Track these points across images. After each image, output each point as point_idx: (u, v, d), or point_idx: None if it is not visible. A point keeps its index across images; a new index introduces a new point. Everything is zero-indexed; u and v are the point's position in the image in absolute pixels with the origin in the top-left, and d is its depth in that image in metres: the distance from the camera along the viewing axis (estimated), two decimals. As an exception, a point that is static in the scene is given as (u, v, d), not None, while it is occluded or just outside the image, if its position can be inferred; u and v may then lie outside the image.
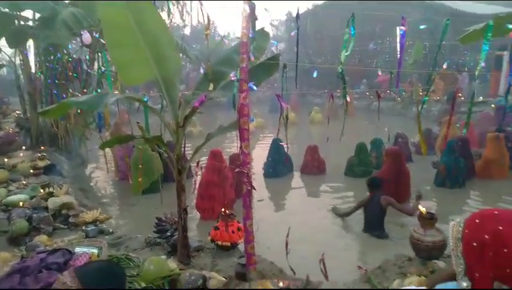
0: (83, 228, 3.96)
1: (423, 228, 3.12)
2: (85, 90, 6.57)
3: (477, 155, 7.04)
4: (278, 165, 7.34)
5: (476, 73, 4.08)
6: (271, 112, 15.01)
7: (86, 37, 5.57)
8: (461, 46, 12.87)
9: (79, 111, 6.70)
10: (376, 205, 4.70)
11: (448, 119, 5.06)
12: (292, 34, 3.50)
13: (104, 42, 5.61)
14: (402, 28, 3.68)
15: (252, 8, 2.69)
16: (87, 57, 7.09)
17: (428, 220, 3.13)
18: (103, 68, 5.38)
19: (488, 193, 6.19)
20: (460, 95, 10.14)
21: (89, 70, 6.89)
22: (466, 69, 14.21)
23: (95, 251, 2.96)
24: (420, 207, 3.26)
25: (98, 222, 4.15)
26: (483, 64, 4.05)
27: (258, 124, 12.82)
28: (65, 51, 7.08)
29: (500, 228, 1.02)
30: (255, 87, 2.73)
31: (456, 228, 1.16)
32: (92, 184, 7.31)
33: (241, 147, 2.70)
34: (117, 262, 3.10)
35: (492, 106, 11.11)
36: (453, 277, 1.19)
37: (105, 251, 3.09)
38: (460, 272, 1.08)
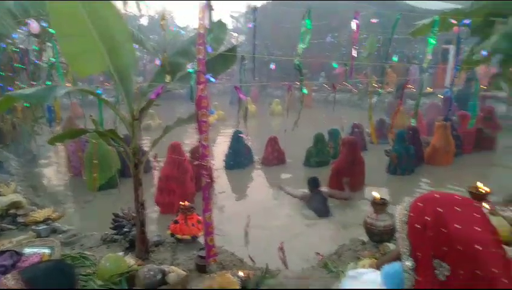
0: (34, 227, 3.75)
1: (376, 213, 3.29)
2: (33, 83, 6.18)
3: (426, 143, 7.47)
4: (239, 157, 7.36)
5: (425, 65, 4.32)
6: (232, 104, 14.97)
7: (34, 26, 5.23)
8: (412, 40, 13.47)
9: (27, 104, 6.31)
10: (319, 199, 5.25)
11: (397, 109, 5.34)
12: (249, 25, 3.50)
13: (53, 31, 5.32)
14: (355, 21, 3.80)
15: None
16: (35, 47, 6.68)
17: (380, 205, 3.30)
18: (53, 59, 5.09)
19: (435, 178, 6.60)
20: (411, 86, 10.66)
21: (37, 62, 6.49)
22: (416, 61, 14.93)
23: (47, 251, 2.84)
24: (374, 193, 3.42)
25: (50, 221, 3.95)
26: (430, 56, 4.29)
27: (219, 116, 12.76)
28: (10, 41, 6.61)
29: (440, 210, 1.09)
30: (213, 79, 2.71)
31: (402, 211, 1.24)
32: (43, 181, 6.95)
33: (199, 140, 2.68)
34: (71, 261, 3.00)
35: (440, 96, 11.79)
36: (398, 258, 1.27)
37: (58, 250, 2.97)
38: (405, 252, 1.15)
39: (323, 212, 5.14)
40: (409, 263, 1.13)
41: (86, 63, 2.84)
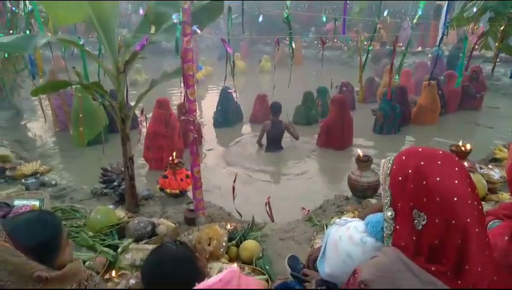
0: (23, 181, 3.76)
1: (360, 170, 3.37)
2: (11, 32, 5.89)
3: (414, 102, 7.53)
4: (228, 114, 7.33)
5: (414, 21, 4.25)
6: (220, 60, 14.65)
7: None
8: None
9: (6, 55, 6.05)
10: (278, 126, 5.96)
11: (389, 68, 5.31)
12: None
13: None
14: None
15: None
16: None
17: (365, 162, 3.38)
18: (30, 7, 4.82)
19: (420, 137, 6.72)
20: (400, 44, 10.52)
21: (13, 9, 6.14)
22: (407, 18, 14.65)
23: (36, 203, 2.87)
24: (358, 151, 3.49)
25: (38, 175, 3.96)
26: (420, 12, 4.21)
27: (207, 72, 12.53)
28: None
29: (422, 163, 1.13)
30: (199, 31, 2.63)
31: (386, 164, 1.27)
32: (29, 135, 6.85)
33: (186, 94, 2.65)
34: (61, 213, 3.04)
35: (429, 55, 11.73)
36: (381, 209, 1.32)
37: (47, 202, 3.00)
38: (387, 203, 1.20)
39: (276, 144, 5.95)
40: (389, 213, 1.18)
41: (65, 11, 2.71)
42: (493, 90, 9.38)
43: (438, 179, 1.07)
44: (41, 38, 2.53)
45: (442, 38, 4.08)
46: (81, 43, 3.06)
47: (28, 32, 4.95)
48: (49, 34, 3.83)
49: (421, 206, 1.09)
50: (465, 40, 4.24)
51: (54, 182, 3.92)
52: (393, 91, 6.76)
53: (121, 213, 2.97)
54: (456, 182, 1.07)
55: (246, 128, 7.41)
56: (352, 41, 14.72)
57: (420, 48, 13.62)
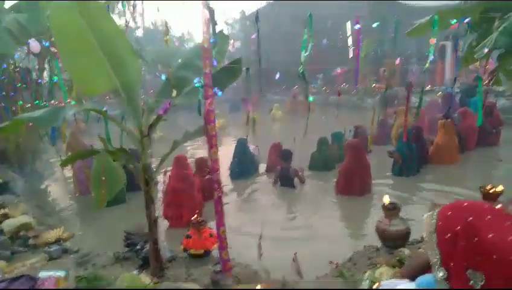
0: (45, 249, 3.73)
1: (387, 218, 3.27)
2: (36, 102, 6.19)
3: (430, 141, 7.46)
4: (244, 165, 7.35)
5: (426, 65, 4.34)
6: (232, 112, 15.01)
7: (34, 45, 5.24)
8: (408, 39, 13.55)
9: (30, 124, 6.31)
10: (287, 172, 6.41)
11: (405, 109, 5.33)
12: (253, 36, 3.51)
13: (54, 50, 5.32)
14: (357, 26, 3.80)
15: (212, 13, 2.67)
16: (36, 66, 6.70)
17: (392, 210, 3.28)
18: (55, 78, 5.10)
19: (442, 177, 6.56)
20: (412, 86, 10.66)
21: (39, 80, 6.50)
22: (413, 60, 14.97)
23: (62, 273, 2.82)
24: (384, 198, 3.41)
25: (61, 241, 3.94)
26: (432, 57, 4.31)
27: (220, 124, 12.78)
28: (11, 61, 6.62)
29: (470, 218, 1.09)
30: (220, 93, 2.72)
31: (429, 220, 1.23)
32: (50, 200, 6.92)
33: (209, 154, 2.68)
34: (86, 283, 2.98)
35: (439, 93, 11.81)
36: (426, 267, 1.26)
37: (72, 272, 2.96)
38: (436, 262, 1.14)
39: (289, 184, 6.34)
40: (441, 273, 1.12)
41: (93, 81, 2.82)
42: (510, 123, 9.28)
43: (491, 235, 1.02)
44: (69, 109, 2.64)
45: (456, 79, 4.12)
46: (104, 109, 3.18)
47: (51, 101, 5.20)
48: (74, 103, 4.01)
49: (477, 266, 1.04)
50: (479, 80, 4.27)
51: (75, 248, 3.89)
52: (409, 131, 6.74)
53: (146, 279, 2.90)
54: (510, 239, 1.02)
55: (263, 178, 7.37)
56: (360, 85, 14.98)
57: (429, 86, 13.76)
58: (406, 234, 3.23)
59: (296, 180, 6.47)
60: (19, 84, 6.53)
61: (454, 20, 4.44)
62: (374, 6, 15.96)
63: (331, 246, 4.33)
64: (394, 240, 3.24)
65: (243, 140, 7.31)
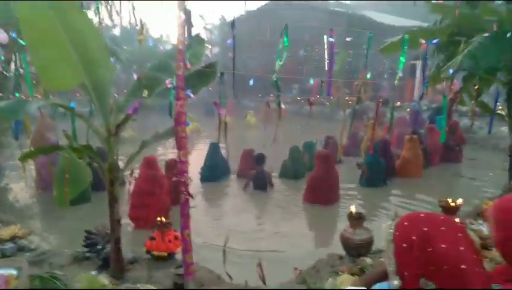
0: (-1, 246, 3.56)
1: (352, 228, 3.35)
2: (0, 94, 5.92)
3: (397, 155, 7.71)
4: (215, 169, 7.32)
5: (396, 82, 4.51)
6: (207, 116, 14.92)
7: (1, 36, 5.03)
8: (380, 55, 14.05)
9: (-9, 116, 6.02)
10: (262, 175, 6.60)
11: (373, 123, 5.51)
12: (228, 42, 3.53)
13: (22, 42, 5.13)
14: (331, 39, 3.91)
15: (188, 15, 2.67)
16: (2, 58, 6.40)
17: (357, 219, 3.36)
18: (21, 70, 4.90)
19: (407, 190, 6.80)
20: (381, 100, 11.02)
21: (4, 72, 6.22)
22: (385, 76, 15.49)
23: (13, 271, 2.69)
24: (351, 207, 3.49)
25: (17, 239, 3.77)
26: (401, 74, 4.49)
27: (194, 127, 12.67)
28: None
29: (426, 229, 1.13)
30: (192, 95, 2.71)
31: (387, 230, 1.27)
32: (9, 197, 6.60)
33: (178, 156, 2.65)
34: (40, 282, 2.86)
35: (408, 110, 12.25)
36: (384, 276, 1.30)
37: (25, 270, 2.82)
38: (392, 271, 1.18)
39: (262, 187, 6.50)
40: (396, 282, 1.16)
41: (59, 76, 2.74)
42: (471, 142, 9.74)
43: (444, 245, 1.07)
44: (33, 103, 2.56)
45: (422, 96, 4.30)
46: (72, 105, 3.09)
47: (17, 94, 4.99)
48: (39, 97, 3.87)
49: (429, 275, 1.08)
50: (444, 99, 4.49)
51: (33, 246, 3.74)
52: (377, 145, 6.94)
53: (105, 280, 2.82)
54: (462, 248, 1.07)
55: (233, 182, 7.37)
56: (334, 97, 15.32)
57: (399, 103, 14.24)
58: (369, 243, 3.31)
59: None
60: (-17, 76, 6.23)
61: (423, 41, 4.66)
62: (351, 22, 16.44)
63: (295, 253, 4.37)
64: (357, 249, 3.31)
65: (215, 144, 7.29)
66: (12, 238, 3.76)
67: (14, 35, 4.94)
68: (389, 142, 7.53)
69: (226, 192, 6.89)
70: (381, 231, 1.28)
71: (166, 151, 9.46)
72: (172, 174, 5.86)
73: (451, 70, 4.51)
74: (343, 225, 3.94)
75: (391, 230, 1.23)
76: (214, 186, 7.06)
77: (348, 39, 5.26)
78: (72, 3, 2.73)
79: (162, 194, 5.21)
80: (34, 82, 4.67)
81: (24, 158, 2.64)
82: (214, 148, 7.35)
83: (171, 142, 2.69)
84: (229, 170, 7.68)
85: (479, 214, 4.11)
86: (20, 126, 5.72)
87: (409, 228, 1.17)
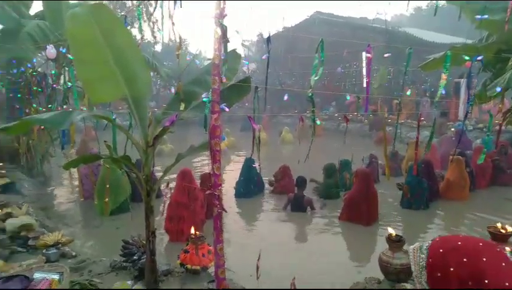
0: (44, 251, 3.72)
1: (391, 251, 3.18)
2: (50, 106, 6.33)
3: (441, 177, 7.33)
4: (250, 185, 7.30)
5: (436, 99, 4.32)
6: (243, 131, 15.08)
7: (51, 51, 5.40)
8: (422, 72, 13.64)
9: (42, 127, 6.43)
10: (300, 200, 6.34)
11: (415, 142, 5.27)
12: (263, 57, 3.55)
13: (71, 57, 5.46)
14: (368, 55, 3.82)
15: (224, 31, 2.71)
16: (54, 71, 6.87)
17: (396, 242, 3.19)
18: (69, 83, 5.22)
19: (451, 214, 6.42)
20: (423, 119, 10.62)
21: (54, 86, 6.66)
22: (427, 94, 14.95)
23: (56, 276, 2.80)
24: (389, 230, 3.33)
25: (60, 245, 3.92)
26: (443, 92, 4.29)
27: (230, 143, 12.81)
28: (29, 65, 6.82)
29: (465, 259, 1.04)
30: (227, 109, 2.73)
31: (417, 254, 1.18)
32: (54, 204, 6.95)
33: (212, 169, 2.66)
34: (79, 288, 2.94)
35: (452, 129, 11.70)
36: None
37: (66, 276, 2.92)
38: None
39: (299, 210, 6.26)
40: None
41: (102, 90, 2.87)
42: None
43: (487, 281, 0.97)
44: (77, 114, 2.67)
45: (466, 115, 4.07)
46: (113, 117, 3.22)
47: (64, 106, 5.29)
48: (84, 109, 4.07)
49: None
50: (490, 118, 4.23)
51: (74, 253, 3.87)
52: (419, 165, 6.63)
53: (139, 290, 2.85)
54: (507, 284, 0.97)
55: (267, 199, 7.30)
56: (373, 115, 14.99)
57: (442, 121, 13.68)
58: (410, 268, 3.12)
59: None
60: (35, 88, 6.71)
61: (469, 58, 4.44)
62: (391, 38, 16.12)
63: (331, 274, 4.21)
64: (397, 274, 3.13)
65: (250, 160, 7.30)
66: (56, 244, 3.92)
67: (63, 50, 5.28)
68: (431, 162, 7.18)
69: (260, 208, 6.83)
70: (410, 253, 1.19)
71: (202, 164, 9.61)
72: (206, 188, 5.94)
73: (498, 88, 4.26)
74: (381, 247, 3.76)
75: (423, 255, 1.14)
76: (248, 202, 7.03)
77: (386, 55, 5.12)
78: (116, 21, 2.87)
79: (197, 207, 5.25)
80: (79, 95, 4.93)
81: (68, 167, 2.76)
82: (248, 164, 7.36)
83: (207, 155, 2.71)
84: (264, 185, 7.64)
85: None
86: (66, 137, 6.06)
87: (445, 256, 1.07)
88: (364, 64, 16.50)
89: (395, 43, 13.94)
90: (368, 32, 17.54)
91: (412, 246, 1.20)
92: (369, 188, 5.88)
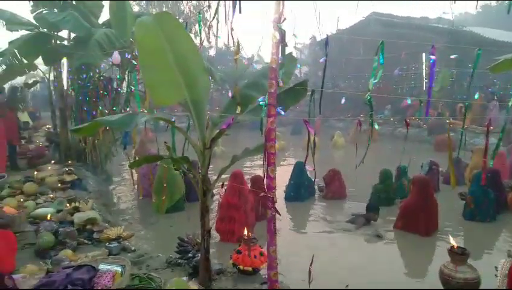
0: (106, 244, 3.99)
1: (454, 264, 2.99)
2: (114, 108, 6.78)
3: (510, 187, 6.74)
4: (300, 188, 7.25)
5: (510, 104, 4.00)
6: (293, 134, 15.01)
7: (116, 57, 5.79)
8: (490, 74, 12.61)
9: (107, 128, 6.89)
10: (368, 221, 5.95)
11: (478, 149, 4.92)
12: (321, 60, 3.51)
13: (134, 62, 5.82)
14: (432, 56, 3.63)
15: (282, 35, 2.73)
16: (118, 76, 7.35)
17: (460, 255, 2.99)
18: (132, 87, 5.56)
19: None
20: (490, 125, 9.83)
21: (118, 89, 7.13)
22: (495, 97, 13.82)
23: (119, 269, 2.97)
24: (451, 241, 3.13)
25: (121, 239, 4.17)
26: (516, 94, 3.95)
27: (280, 146, 12.79)
28: (97, 70, 7.35)
29: None
30: (283, 112, 2.74)
31: (506, 264, 1.11)
32: (115, 200, 7.41)
33: (267, 171, 2.69)
34: (138, 281, 3.10)
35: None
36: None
37: (128, 269, 3.09)
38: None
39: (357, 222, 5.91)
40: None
41: (165, 93, 3.03)
42: None
43: None
44: (142, 116, 2.84)
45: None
46: (173, 120, 3.37)
47: (127, 108, 5.63)
48: (145, 111, 4.31)
49: None
50: None
51: (133, 248, 4.09)
52: (486, 174, 6.13)
53: (194, 287, 2.94)
54: None
55: (318, 203, 7.19)
56: (432, 120, 14.15)
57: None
58: (475, 283, 2.91)
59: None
60: (101, 92, 7.22)
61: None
62: (455, 39, 15.16)
63: (385, 283, 4.04)
64: (460, 289, 2.93)
65: (301, 163, 7.23)
66: (117, 238, 4.18)
67: (128, 56, 5.63)
68: (498, 171, 6.62)
69: (311, 213, 6.74)
70: (500, 266, 1.11)
71: (253, 168, 9.69)
72: (257, 190, 5.99)
73: None
74: (440, 259, 3.54)
75: (509, 264, 1.06)
76: (299, 206, 6.97)
77: (453, 56, 4.80)
78: (180, 28, 3.00)
79: (248, 209, 5.31)
80: (141, 98, 5.22)
81: (133, 166, 2.94)
82: (299, 168, 7.30)
83: (259, 158, 2.75)
84: (315, 190, 7.54)
85: None
86: (127, 137, 6.45)
87: None
88: (424, 67, 15.71)
89: (458, 44, 13.09)
90: (427, 32, 16.64)
91: (502, 260, 1.13)
92: (427, 196, 5.57)
